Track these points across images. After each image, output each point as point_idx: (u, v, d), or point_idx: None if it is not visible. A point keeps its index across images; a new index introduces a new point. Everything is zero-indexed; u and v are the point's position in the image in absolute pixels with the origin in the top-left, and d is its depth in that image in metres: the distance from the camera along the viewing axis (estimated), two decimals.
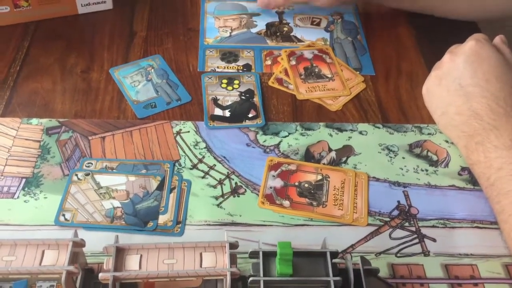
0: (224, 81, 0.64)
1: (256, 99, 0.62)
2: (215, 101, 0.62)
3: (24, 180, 0.53)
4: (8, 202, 0.51)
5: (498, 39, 0.58)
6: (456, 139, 0.55)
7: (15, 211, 0.51)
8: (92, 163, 0.55)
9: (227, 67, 0.66)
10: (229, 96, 0.62)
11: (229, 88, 0.63)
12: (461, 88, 0.55)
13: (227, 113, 0.60)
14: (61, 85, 0.63)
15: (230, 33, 0.71)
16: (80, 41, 0.69)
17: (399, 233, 0.51)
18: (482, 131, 0.51)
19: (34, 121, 0.59)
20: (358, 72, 0.67)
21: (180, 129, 0.59)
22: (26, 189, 0.52)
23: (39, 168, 0.54)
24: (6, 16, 0.68)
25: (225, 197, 0.53)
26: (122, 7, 0.74)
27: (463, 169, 0.56)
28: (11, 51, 0.67)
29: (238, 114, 0.60)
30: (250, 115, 0.60)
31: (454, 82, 0.55)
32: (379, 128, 0.60)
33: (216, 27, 0.72)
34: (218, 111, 0.61)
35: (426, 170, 0.56)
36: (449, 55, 0.58)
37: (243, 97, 0.62)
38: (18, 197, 0.52)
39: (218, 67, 0.66)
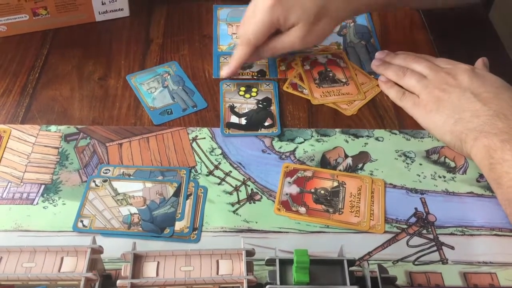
0: (242, 88, 0.64)
1: (273, 108, 0.62)
2: (232, 108, 0.62)
3: (43, 186, 0.54)
4: (28, 208, 0.52)
5: (480, 62, 0.61)
6: (472, 141, 0.53)
7: (34, 217, 0.51)
8: (109, 170, 0.55)
9: (242, 73, 0.66)
10: (246, 104, 0.62)
11: (247, 95, 0.63)
12: (474, 97, 0.54)
13: (243, 121, 0.60)
14: (79, 92, 0.64)
15: None
16: (98, 48, 0.70)
17: (416, 240, 0.50)
18: (510, 130, 0.50)
19: (53, 128, 0.59)
20: (372, 76, 0.66)
21: (196, 136, 0.59)
22: (45, 195, 0.53)
23: (58, 174, 0.55)
24: (25, 24, 0.70)
25: (241, 203, 0.53)
26: (139, 15, 0.74)
27: (481, 175, 0.56)
28: (30, 59, 0.68)
29: (254, 122, 0.60)
30: (266, 124, 0.60)
31: (464, 93, 0.55)
32: (395, 134, 0.60)
33: (229, 33, 0.72)
34: (234, 119, 0.61)
35: (444, 177, 0.56)
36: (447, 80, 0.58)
37: (260, 105, 0.62)
38: (37, 203, 0.52)
39: None
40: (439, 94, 0.57)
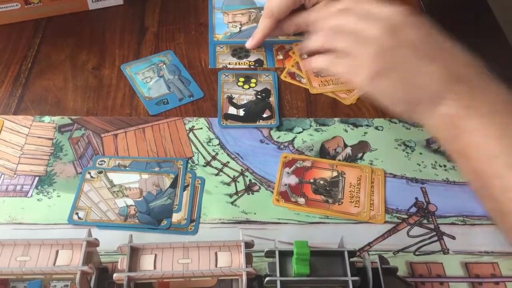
0: (241, 79, 0.63)
1: (272, 99, 0.61)
2: (230, 99, 0.61)
3: (37, 178, 0.53)
4: (22, 200, 0.51)
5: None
6: (430, 109, 0.45)
7: (29, 210, 0.50)
8: (104, 161, 0.54)
9: (239, 63, 0.65)
10: (245, 95, 0.61)
11: (246, 86, 0.62)
12: (425, 57, 0.46)
13: (241, 112, 0.59)
14: (73, 82, 0.63)
15: (240, 28, 0.70)
16: (91, 37, 0.68)
17: (417, 230, 0.50)
18: (472, 93, 0.44)
19: (47, 118, 0.58)
20: None
21: (193, 126, 0.58)
22: (39, 187, 0.52)
23: (52, 166, 0.54)
24: (17, 12, 0.68)
25: (239, 194, 0.52)
26: (133, 3, 0.73)
27: None
28: (22, 48, 0.66)
29: (252, 113, 0.59)
30: (264, 115, 0.59)
31: (415, 53, 0.46)
32: (395, 123, 0.59)
33: (225, 22, 0.71)
34: (232, 110, 0.60)
35: (444, 166, 0.55)
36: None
37: (259, 96, 0.61)
38: (31, 195, 0.51)
39: (229, 63, 0.65)
40: (385, 55, 0.46)
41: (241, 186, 0.53)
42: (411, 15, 0.47)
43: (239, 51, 0.67)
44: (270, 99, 0.61)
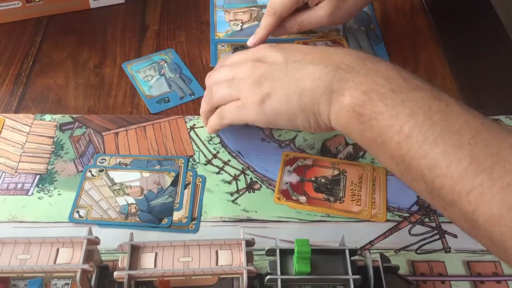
0: None
1: None
2: None
3: (38, 176, 0.53)
4: (22, 199, 0.51)
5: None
6: (327, 107, 0.45)
7: (29, 208, 0.50)
8: (105, 159, 0.54)
9: None
10: None
11: None
12: (300, 63, 0.47)
13: None
14: (74, 80, 0.63)
15: (241, 26, 0.70)
16: (93, 35, 0.68)
17: (419, 229, 0.50)
18: (364, 78, 0.42)
19: (47, 117, 0.58)
20: None
21: (194, 124, 0.58)
22: (40, 185, 0.52)
23: (53, 164, 0.54)
24: (18, 11, 0.68)
25: (240, 193, 0.52)
26: (134, 1, 0.73)
27: None
28: (24, 47, 0.66)
29: None
30: None
31: (286, 65, 0.47)
32: None
33: (227, 20, 0.71)
34: None
35: None
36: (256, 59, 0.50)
37: None
38: (32, 194, 0.51)
39: None
40: (260, 80, 0.47)
41: (242, 184, 0.53)
42: (270, 46, 0.50)
43: (240, 49, 0.67)
44: None
